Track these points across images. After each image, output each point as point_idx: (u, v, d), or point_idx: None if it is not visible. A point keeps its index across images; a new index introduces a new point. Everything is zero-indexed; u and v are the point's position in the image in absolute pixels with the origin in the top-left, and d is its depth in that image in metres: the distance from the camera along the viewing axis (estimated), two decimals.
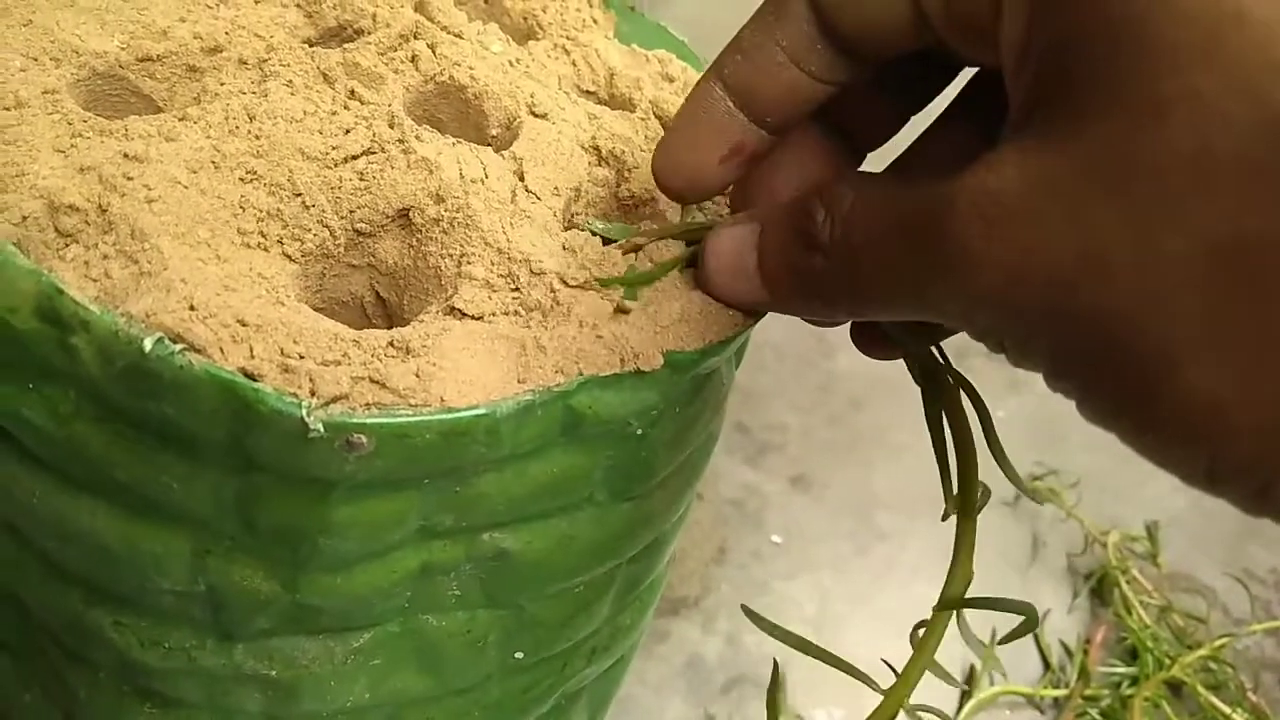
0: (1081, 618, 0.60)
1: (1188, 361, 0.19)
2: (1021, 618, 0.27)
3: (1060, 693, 0.55)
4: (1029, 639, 0.58)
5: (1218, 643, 0.57)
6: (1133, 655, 0.57)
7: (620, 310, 0.28)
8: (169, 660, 0.29)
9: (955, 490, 0.28)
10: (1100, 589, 0.61)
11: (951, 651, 0.44)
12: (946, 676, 0.29)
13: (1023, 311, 0.21)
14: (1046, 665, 0.57)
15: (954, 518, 0.29)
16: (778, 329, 0.72)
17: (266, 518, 0.26)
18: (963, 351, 0.79)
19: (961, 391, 0.29)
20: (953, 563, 0.28)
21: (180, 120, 0.28)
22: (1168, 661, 0.55)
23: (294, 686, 0.30)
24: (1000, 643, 0.28)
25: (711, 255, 0.29)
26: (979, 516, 0.29)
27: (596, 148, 0.33)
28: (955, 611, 0.28)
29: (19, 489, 0.27)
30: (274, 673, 0.29)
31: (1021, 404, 0.73)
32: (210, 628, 0.29)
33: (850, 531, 0.61)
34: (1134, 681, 0.55)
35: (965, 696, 0.53)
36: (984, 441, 0.29)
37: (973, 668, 0.55)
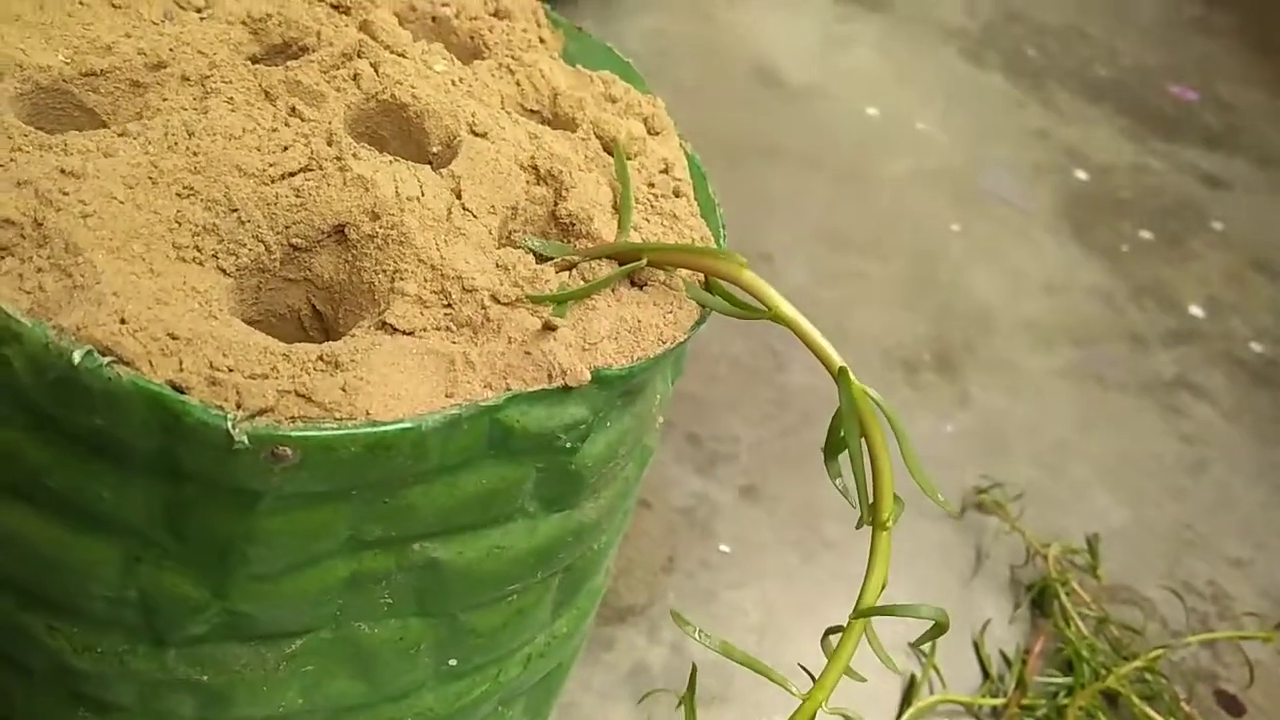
0: (1022, 628, 0.61)
1: None
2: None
3: (998, 702, 0.56)
4: (969, 648, 0.59)
5: (1153, 654, 0.58)
6: (1070, 666, 0.58)
7: (549, 327, 0.29)
8: (102, 665, 0.30)
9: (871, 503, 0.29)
10: (1041, 600, 0.62)
11: (893, 658, 0.45)
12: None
13: None
14: (986, 674, 0.58)
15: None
16: (735, 342, 0.73)
17: (195, 527, 0.26)
18: (914, 367, 0.81)
19: (881, 412, 0.30)
20: (868, 572, 0.29)
21: (119, 136, 0.29)
22: (1104, 672, 0.57)
23: (226, 692, 0.30)
24: (913, 645, 0.29)
25: None
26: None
27: (535, 167, 0.34)
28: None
29: None
30: (206, 678, 0.30)
31: (968, 418, 0.74)
32: (142, 633, 0.29)
33: (797, 541, 0.62)
34: (1070, 691, 0.56)
35: (904, 704, 0.55)
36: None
37: (913, 677, 0.56)
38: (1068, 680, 0.57)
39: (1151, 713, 0.56)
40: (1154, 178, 1.09)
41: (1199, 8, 1.47)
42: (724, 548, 0.60)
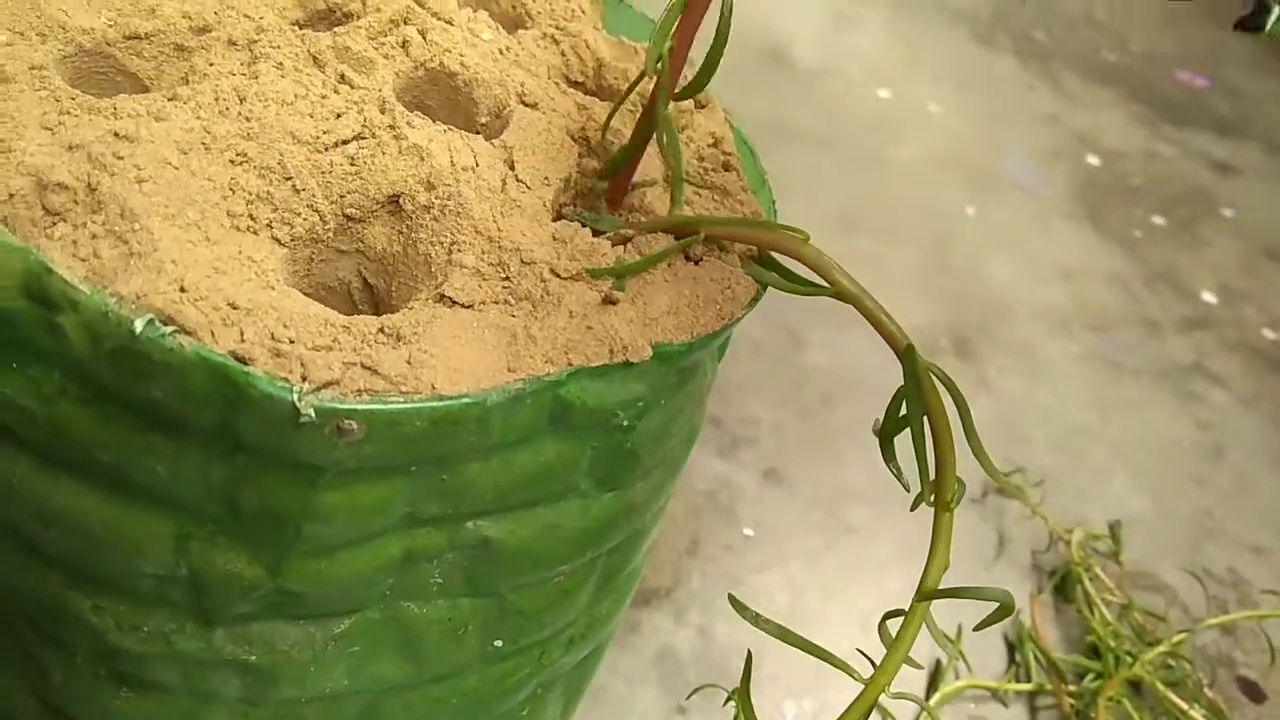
0: (1046, 614, 0.61)
1: None
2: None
3: (1025, 687, 0.56)
4: (991, 633, 0.58)
5: (1176, 639, 0.58)
6: (1095, 651, 0.58)
7: (609, 301, 0.28)
8: (147, 644, 0.29)
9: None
10: (1064, 586, 0.62)
11: (916, 645, 0.45)
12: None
13: None
14: (1012, 660, 0.57)
15: (926, 511, 0.29)
16: (753, 324, 0.73)
17: (252, 502, 0.26)
18: (931, 352, 0.80)
19: (943, 388, 0.29)
20: (930, 554, 0.28)
21: (170, 100, 0.28)
22: (1129, 660, 0.56)
23: (273, 672, 0.30)
24: (976, 629, 0.29)
25: None
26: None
27: (586, 138, 0.33)
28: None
29: None
30: (253, 658, 0.29)
31: (988, 405, 0.74)
32: (190, 611, 0.28)
33: (821, 525, 0.61)
34: (1098, 677, 0.56)
35: (931, 689, 0.54)
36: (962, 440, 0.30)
37: (938, 662, 0.55)
38: (1095, 665, 0.57)
39: (1176, 699, 0.56)
40: (1165, 164, 1.09)
41: None
42: (748, 531, 0.60)
